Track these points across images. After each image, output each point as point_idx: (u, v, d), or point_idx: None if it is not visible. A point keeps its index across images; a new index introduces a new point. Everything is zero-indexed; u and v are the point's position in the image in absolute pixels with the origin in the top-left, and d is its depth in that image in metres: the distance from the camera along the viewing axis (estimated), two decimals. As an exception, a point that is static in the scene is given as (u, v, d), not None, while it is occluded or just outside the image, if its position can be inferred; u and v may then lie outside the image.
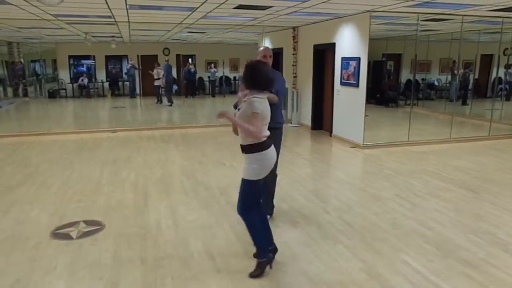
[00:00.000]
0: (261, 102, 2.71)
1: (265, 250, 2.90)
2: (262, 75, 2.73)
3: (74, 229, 3.66)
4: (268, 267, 2.91)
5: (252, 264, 2.94)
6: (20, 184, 5.01)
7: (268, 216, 3.73)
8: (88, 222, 3.82)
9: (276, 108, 3.36)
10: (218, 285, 2.77)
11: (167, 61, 14.01)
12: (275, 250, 3.05)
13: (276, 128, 3.47)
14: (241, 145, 2.80)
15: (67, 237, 3.51)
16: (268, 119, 2.82)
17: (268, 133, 2.82)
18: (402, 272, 2.94)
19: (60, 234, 3.57)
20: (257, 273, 2.84)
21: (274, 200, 3.97)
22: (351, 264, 3.06)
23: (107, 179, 5.23)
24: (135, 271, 2.93)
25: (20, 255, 3.18)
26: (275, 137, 3.44)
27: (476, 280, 2.84)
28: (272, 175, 3.43)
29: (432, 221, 3.88)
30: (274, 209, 3.98)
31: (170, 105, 13.12)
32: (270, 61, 3.52)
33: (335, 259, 3.14)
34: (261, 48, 3.64)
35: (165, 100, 13.63)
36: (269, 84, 2.80)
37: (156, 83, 13.69)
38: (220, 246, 3.33)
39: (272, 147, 2.85)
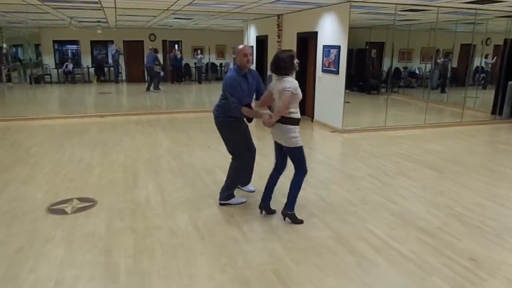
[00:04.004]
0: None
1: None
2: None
3: (68, 205, 3.94)
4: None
5: (234, 233, 3.32)
6: (13, 165, 5.22)
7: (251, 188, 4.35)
8: (81, 199, 4.10)
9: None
10: (202, 250, 3.10)
11: (151, 49, 13.99)
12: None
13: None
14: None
15: (62, 212, 3.79)
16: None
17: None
18: (366, 238, 3.33)
19: (55, 209, 3.84)
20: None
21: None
22: (322, 232, 3.43)
23: (97, 161, 5.48)
24: (127, 240, 3.24)
25: (20, 227, 3.45)
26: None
27: (430, 244, 3.24)
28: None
29: (398, 196, 4.28)
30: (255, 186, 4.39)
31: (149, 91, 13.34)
32: (250, 58, 3.67)
33: (308, 228, 3.50)
34: (241, 47, 3.69)
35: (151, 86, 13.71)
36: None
37: (155, 69, 13.73)
38: (204, 218, 3.66)
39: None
